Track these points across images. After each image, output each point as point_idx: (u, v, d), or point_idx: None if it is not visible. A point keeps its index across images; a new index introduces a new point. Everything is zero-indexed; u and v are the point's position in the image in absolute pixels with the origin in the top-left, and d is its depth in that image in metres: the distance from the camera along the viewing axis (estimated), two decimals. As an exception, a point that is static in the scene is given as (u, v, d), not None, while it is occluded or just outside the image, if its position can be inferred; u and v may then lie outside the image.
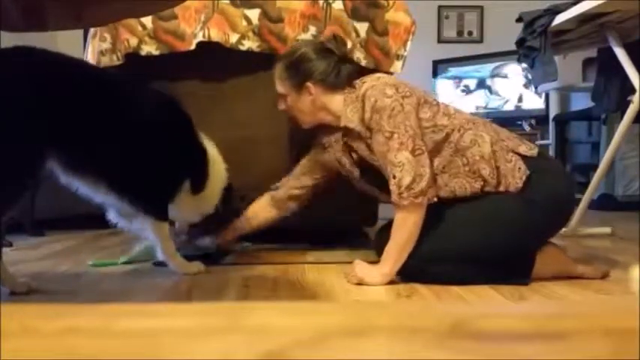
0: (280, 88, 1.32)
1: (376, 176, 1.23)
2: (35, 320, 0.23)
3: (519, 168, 1.15)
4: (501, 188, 1.16)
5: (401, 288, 1.14)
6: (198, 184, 1.30)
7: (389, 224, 1.36)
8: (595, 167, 2.08)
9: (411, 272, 1.17)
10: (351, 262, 1.24)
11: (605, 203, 2.71)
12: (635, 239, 1.69)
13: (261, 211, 1.44)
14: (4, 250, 1.53)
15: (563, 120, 3.44)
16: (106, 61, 1.51)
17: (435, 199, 1.14)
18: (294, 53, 1.29)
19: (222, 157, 1.39)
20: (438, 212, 1.16)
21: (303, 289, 1.13)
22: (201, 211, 1.35)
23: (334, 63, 1.27)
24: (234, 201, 1.40)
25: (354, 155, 1.29)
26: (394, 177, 1.12)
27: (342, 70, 1.27)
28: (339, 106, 1.25)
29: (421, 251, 1.14)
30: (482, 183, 1.16)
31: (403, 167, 1.11)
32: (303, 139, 1.46)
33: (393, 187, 1.13)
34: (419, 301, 1.06)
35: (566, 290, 1.12)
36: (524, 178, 1.15)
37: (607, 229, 1.94)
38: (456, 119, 1.19)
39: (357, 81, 1.26)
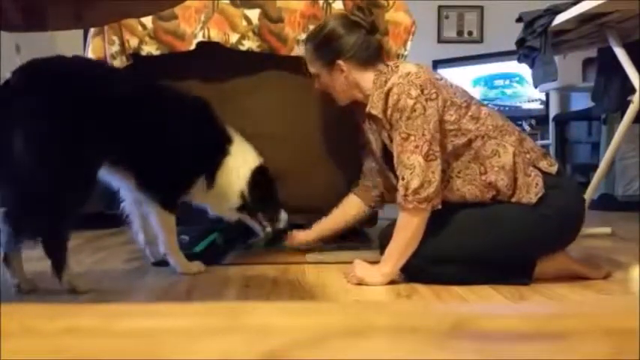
0: (312, 68, 1.30)
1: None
2: (35, 320, 0.23)
3: (537, 184, 1.14)
4: (514, 200, 1.15)
5: (401, 288, 1.14)
6: (211, 180, 1.32)
7: (392, 224, 1.36)
8: (595, 167, 2.08)
9: (413, 271, 1.17)
10: (351, 262, 1.24)
11: (606, 203, 2.71)
12: (635, 239, 1.69)
13: (349, 210, 1.42)
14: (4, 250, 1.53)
15: (563, 120, 3.44)
16: (117, 64, 1.51)
17: (439, 206, 1.13)
18: (322, 31, 1.27)
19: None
20: (444, 213, 1.16)
21: (303, 289, 1.13)
22: (227, 205, 1.35)
23: (363, 36, 1.24)
24: (266, 185, 1.39)
25: (379, 139, 1.27)
26: (403, 178, 1.11)
27: (372, 42, 1.25)
28: (370, 84, 1.22)
29: (424, 251, 1.14)
30: (494, 193, 1.15)
31: (414, 170, 1.10)
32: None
33: (400, 188, 1.12)
34: (419, 301, 1.06)
35: (566, 290, 1.12)
36: (539, 194, 1.13)
37: (607, 229, 1.94)
38: (483, 125, 1.16)
39: (389, 65, 1.23)
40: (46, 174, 1.04)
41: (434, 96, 1.14)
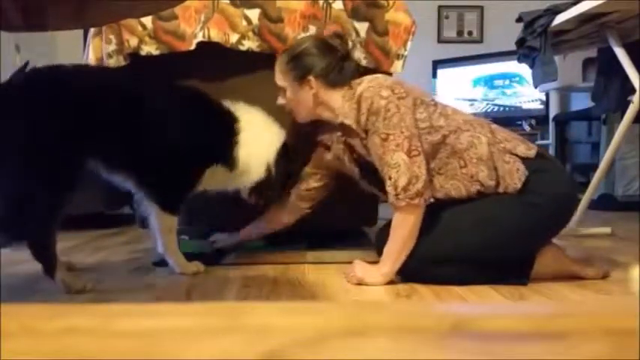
0: (281, 81, 1.32)
1: (376, 175, 1.23)
2: (35, 320, 0.23)
3: (517, 169, 1.14)
4: (500, 189, 1.15)
5: (401, 288, 1.14)
6: (230, 162, 1.29)
7: (389, 223, 1.35)
8: (595, 167, 2.08)
9: (411, 273, 1.17)
10: (351, 262, 1.24)
11: (605, 203, 2.71)
12: (635, 239, 1.69)
13: (276, 216, 1.43)
14: (4, 250, 1.53)
15: (563, 120, 3.44)
16: (113, 63, 1.51)
17: (432, 200, 1.14)
18: (298, 47, 1.30)
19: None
20: (438, 213, 1.16)
21: (303, 289, 1.13)
22: (248, 179, 1.32)
23: (336, 60, 1.27)
24: (286, 163, 1.37)
25: (354, 153, 1.29)
26: (390, 178, 1.12)
27: (345, 68, 1.27)
28: (338, 102, 1.25)
29: (421, 252, 1.14)
30: (479, 187, 1.16)
31: (399, 168, 1.11)
32: (305, 147, 1.45)
33: (389, 189, 1.13)
34: (419, 301, 1.06)
35: (566, 290, 1.12)
36: (522, 179, 1.14)
37: (607, 229, 1.94)
38: (453, 120, 1.19)
39: (355, 81, 1.26)
40: (26, 177, 1.04)
41: (404, 95, 1.16)
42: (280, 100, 1.35)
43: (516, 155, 1.16)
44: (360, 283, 1.16)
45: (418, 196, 1.11)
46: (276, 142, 1.35)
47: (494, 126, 1.24)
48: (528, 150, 1.18)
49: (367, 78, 1.24)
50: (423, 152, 1.13)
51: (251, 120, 1.34)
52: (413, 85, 1.24)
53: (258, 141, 1.32)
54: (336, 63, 1.27)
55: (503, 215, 1.15)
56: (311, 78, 1.26)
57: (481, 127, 1.20)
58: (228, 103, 1.35)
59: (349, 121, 1.21)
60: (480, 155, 1.15)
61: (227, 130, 1.31)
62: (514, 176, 1.14)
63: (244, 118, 1.33)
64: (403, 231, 1.13)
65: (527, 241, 1.18)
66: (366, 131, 1.17)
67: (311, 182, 1.41)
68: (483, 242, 1.14)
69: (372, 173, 1.25)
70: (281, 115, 1.58)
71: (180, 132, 1.26)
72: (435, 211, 1.16)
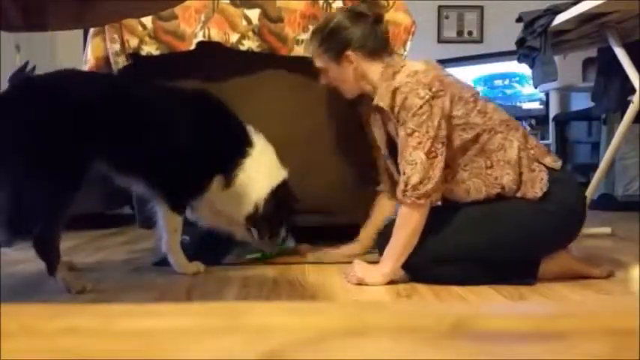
0: (319, 62, 1.29)
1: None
2: (35, 320, 0.23)
3: (541, 179, 1.15)
4: (518, 194, 1.15)
5: (401, 288, 1.14)
6: (229, 179, 1.30)
7: (391, 224, 1.35)
8: (595, 167, 2.08)
9: (414, 271, 1.17)
10: (350, 263, 1.24)
11: (605, 203, 2.71)
12: (635, 239, 1.69)
13: (382, 209, 1.40)
14: (4, 250, 1.53)
15: (563, 120, 3.43)
16: (122, 61, 1.51)
17: (439, 203, 1.14)
18: (328, 24, 1.26)
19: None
20: (445, 212, 1.16)
21: (303, 289, 1.14)
22: (236, 208, 1.32)
23: (370, 26, 1.24)
24: (284, 202, 1.36)
25: (386, 131, 1.26)
26: (404, 173, 1.13)
27: (379, 32, 1.24)
28: (377, 75, 1.22)
29: (426, 250, 1.14)
30: (499, 190, 1.16)
31: (415, 166, 1.11)
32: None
33: (400, 183, 1.13)
34: (419, 301, 1.06)
35: (566, 290, 1.12)
36: (544, 189, 1.14)
37: (607, 229, 1.94)
38: (489, 119, 1.17)
39: (395, 61, 1.23)
40: (32, 176, 1.05)
41: (441, 93, 1.14)
42: (322, 81, 1.32)
43: (543, 164, 1.16)
44: (360, 283, 1.16)
45: (425, 197, 1.11)
46: (275, 181, 1.36)
47: (525, 131, 1.24)
48: (555, 162, 1.18)
49: (406, 69, 1.18)
50: (450, 151, 1.13)
51: (262, 151, 1.36)
52: (455, 78, 1.22)
53: (259, 174, 1.33)
54: (370, 29, 1.23)
55: (509, 216, 1.15)
56: (349, 52, 1.23)
57: (515, 131, 1.19)
58: (249, 126, 1.37)
59: (383, 104, 1.19)
60: (509, 159, 1.15)
61: (239, 147, 1.33)
62: (536, 185, 1.14)
63: (258, 145, 1.35)
64: (406, 230, 1.13)
65: (533, 245, 1.18)
66: (398, 120, 1.16)
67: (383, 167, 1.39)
68: (488, 242, 1.15)
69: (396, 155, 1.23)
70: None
71: (196, 138, 1.28)
72: (443, 210, 1.16)
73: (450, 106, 1.15)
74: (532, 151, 1.17)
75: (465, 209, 1.17)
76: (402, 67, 1.20)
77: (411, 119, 1.12)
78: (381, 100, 1.20)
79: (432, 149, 1.11)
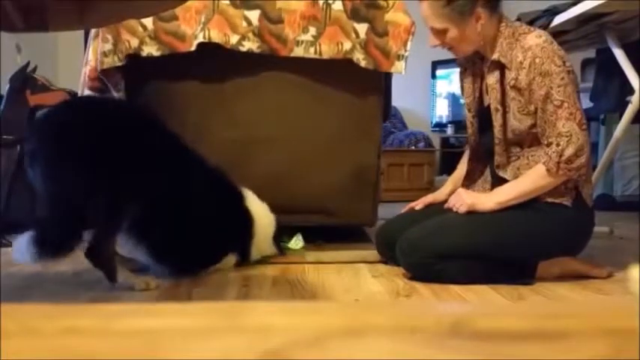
0: (440, 23, 1.23)
1: (486, 123, 1.22)
2: (35, 320, 0.23)
3: (567, 199, 1.16)
4: (549, 199, 1.16)
5: (401, 288, 1.14)
6: (244, 256, 1.35)
7: (389, 223, 1.36)
8: (593, 167, 2.08)
9: (418, 266, 1.16)
10: (350, 262, 1.24)
11: (604, 203, 2.71)
12: (635, 239, 1.69)
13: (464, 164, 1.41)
14: (4, 250, 1.53)
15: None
16: (108, 62, 1.51)
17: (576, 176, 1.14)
18: None
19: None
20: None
21: (303, 289, 1.14)
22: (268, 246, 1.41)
23: None
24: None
25: (478, 92, 1.26)
26: (558, 145, 1.12)
27: None
28: (495, 31, 1.20)
29: (433, 245, 1.14)
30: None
31: (570, 138, 1.11)
32: None
33: (552, 155, 1.12)
34: (419, 301, 1.07)
35: (566, 290, 1.13)
36: (556, 202, 1.15)
37: (605, 229, 1.94)
38: (581, 115, 1.16)
39: (519, 22, 1.23)
40: (90, 191, 1.06)
41: (570, 69, 1.15)
42: (435, 42, 1.27)
43: (577, 189, 1.17)
44: (470, 211, 1.15)
45: (577, 170, 1.12)
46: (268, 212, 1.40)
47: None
48: (587, 197, 1.19)
49: (539, 33, 1.17)
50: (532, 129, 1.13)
51: (257, 211, 1.38)
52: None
53: (262, 215, 1.38)
54: None
55: (520, 221, 1.16)
56: (479, 9, 1.20)
57: (588, 138, 1.18)
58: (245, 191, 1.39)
59: (505, 60, 1.17)
60: (578, 165, 1.14)
61: (247, 227, 1.35)
62: (556, 196, 1.16)
63: (256, 215, 1.37)
64: (531, 187, 1.13)
65: (537, 250, 1.19)
66: (528, 87, 1.14)
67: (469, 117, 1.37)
68: (494, 242, 1.15)
69: (484, 120, 1.23)
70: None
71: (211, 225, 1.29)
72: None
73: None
74: (584, 175, 1.17)
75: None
76: (528, 29, 1.19)
77: (556, 89, 1.11)
78: (503, 57, 1.18)
79: (582, 121, 1.12)
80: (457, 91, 3.68)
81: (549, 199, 1.15)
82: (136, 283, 1.12)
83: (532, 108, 1.15)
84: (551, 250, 1.21)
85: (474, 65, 1.29)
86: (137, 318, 0.23)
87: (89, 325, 0.23)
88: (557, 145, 1.12)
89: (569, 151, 1.11)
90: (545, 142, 1.14)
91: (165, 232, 1.20)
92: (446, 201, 1.25)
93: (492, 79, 1.20)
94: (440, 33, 1.24)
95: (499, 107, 1.21)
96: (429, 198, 1.41)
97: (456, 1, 1.20)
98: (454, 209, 1.18)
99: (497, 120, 1.20)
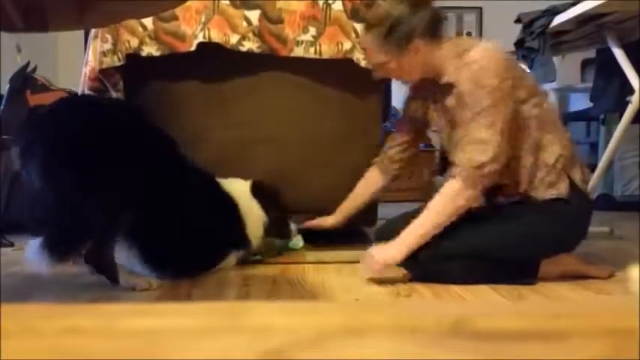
0: (379, 57, 1.23)
1: (450, 139, 1.22)
2: (35, 320, 0.23)
3: (558, 188, 1.15)
4: (532, 193, 1.15)
5: (401, 288, 1.14)
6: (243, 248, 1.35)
7: (390, 223, 1.35)
8: (593, 168, 2.08)
9: (419, 267, 1.16)
10: (350, 262, 1.24)
11: (604, 203, 2.71)
12: (635, 239, 1.69)
13: (369, 183, 1.42)
14: (4, 250, 1.53)
15: (562, 120, 3.43)
16: (107, 61, 1.51)
17: (487, 185, 1.12)
18: (390, 16, 1.20)
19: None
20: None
21: (303, 289, 1.13)
22: (258, 237, 1.41)
23: (430, 10, 1.21)
24: (271, 199, 1.43)
25: (444, 113, 1.25)
26: (471, 151, 1.10)
27: (436, 17, 1.22)
28: (442, 57, 1.20)
29: (438, 245, 1.13)
30: (527, 186, 1.16)
31: (486, 145, 1.09)
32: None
33: (462, 160, 1.10)
34: (418, 300, 1.06)
35: (566, 290, 1.13)
36: (553, 197, 1.14)
37: (605, 229, 1.94)
38: (542, 114, 1.16)
39: (462, 39, 1.24)
40: (87, 195, 1.06)
41: (510, 75, 1.14)
42: (378, 75, 1.29)
43: (569, 177, 1.16)
44: (378, 264, 1.13)
45: (487, 178, 1.10)
46: (253, 199, 1.39)
47: (569, 135, 1.24)
48: (582, 182, 1.18)
49: (481, 46, 1.16)
50: (510, 136, 1.11)
51: (238, 192, 1.37)
52: (521, 66, 1.22)
53: (248, 207, 1.37)
54: (430, 16, 1.20)
55: (521, 220, 1.16)
56: (416, 42, 1.19)
57: (563, 134, 1.18)
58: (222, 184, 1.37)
59: (453, 81, 1.17)
60: (546, 161, 1.15)
61: (232, 209, 1.34)
62: (549, 190, 1.15)
63: (236, 194, 1.37)
64: (446, 208, 1.10)
65: (538, 248, 1.19)
66: (464, 97, 1.14)
67: (398, 138, 1.39)
68: (497, 242, 1.15)
69: (449, 136, 1.23)
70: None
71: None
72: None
73: (516, 90, 1.14)
74: (568, 163, 1.16)
75: (479, 209, 1.17)
76: (472, 44, 1.18)
77: (485, 96, 1.10)
78: (451, 77, 1.17)
79: (504, 130, 1.10)
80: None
81: (547, 196, 1.15)
82: (137, 284, 1.12)
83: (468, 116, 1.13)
84: (554, 248, 1.20)
85: (425, 89, 1.29)
86: (137, 318, 0.23)
87: (89, 325, 0.23)
88: (471, 151, 1.10)
89: (482, 158, 1.08)
90: (460, 149, 1.12)
91: (160, 238, 1.20)
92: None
93: (450, 101, 1.20)
94: (381, 65, 1.25)
95: (450, 126, 1.24)
96: (330, 220, 1.45)
97: (391, 35, 1.20)
98: (365, 276, 1.17)
99: (448, 138, 1.20)
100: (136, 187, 1.10)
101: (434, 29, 1.21)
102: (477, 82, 1.12)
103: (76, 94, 1.86)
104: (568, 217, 1.16)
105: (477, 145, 1.10)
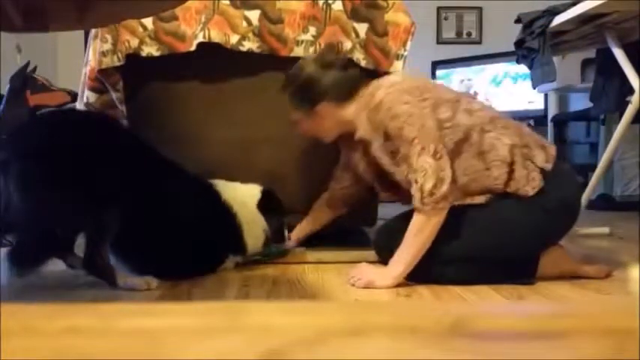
0: (293, 115, 1.30)
1: (390, 181, 1.23)
2: (35, 320, 0.23)
3: (533, 178, 1.14)
4: (509, 190, 1.15)
5: (400, 288, 1.14)
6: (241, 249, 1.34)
7: (389, 223, 1.35)
8: (593, 168, 2.08)
9: (418, 272, 1.16)
10: (350, 262, 1.24)
11: (604, 203, 2.71)
12: (634, 239, 1.69)
13: (319, 212, 1.47)
14: (3, 250, 1.52)
15: (562, 120, 3.44)
16: (107, 62, 1.51)
17: (456, 202, 1.12)
18: (298, 77, 1.27)
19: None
20: (450, 213, 1.16)
21: (303, 289, 1.13)
22: (259, 245, 1.40)
23: (339, 75, 1.25)
24: (274, 207, 1.43)
25: (372, 163, 1.27)
26: (416, 182, 1.10)
27: (348, 78, 1.26)
28: (354, 115, 1.23)
29: (433, 252, 1.13)
30: (502, 187, 1.15)
31: (426, 172, 1.09)
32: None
33: (415, 193, 1.11)
34: (418, 300, 1.06)
35: (566, 290, 1.13)
36: (536, 189, 1.13)
37: (605, 229, 1.94)
38: (478, 117, 1.16)
39: (371, 86, 1.24)
40: (71, 203, 1.07)
41: (427, 96, 1.15)
42: (298, 131, 1.34)
43: (535, 164, 1.15)
44: (368, 287, 1.14)
45: (443, 200, 1.09)
46: (256, 207, 1.38)
47: (523, 128, 1.22)
48: (546, 162, 1.16)
49: (385, 83, 1.20)
50: (448, 153, 1.12)
51: (228, 195, 1.35)
52: (435, 83, 1.23)
53: (248, 215, 1.35)
54: (340, 78, 1.24)
55: (514, 217, 1.15)
56: (322, 105, 1.24)
57: (505, 129, 1.17)
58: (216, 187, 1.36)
59: (367, 133, 1.20)
60: (502, 157, 1.14)
61: (230, 220, 1.32)
62: (527, 184, 1.14)
63: (238, 199, 1.35)
64: (423, 236, 1.12)
65: (536, 243, 1.18)
66: (387, 136, 1.15)
67: (342, 180, 1.42)
68: (491, 242, 1.15)
69: (387, 180, 1.24)
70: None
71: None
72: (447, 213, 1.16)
73: (436, 110, 1.14)
74: (525, 150, 1.16)
75: (465, 212, 1.16)
76: (379, 86, 1.20)
77: (407, 129, 1.11)
78: (365, 130, 1.20)
79: (437, 150, 1.10)
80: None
81: (530, 192, 1.13)
82: (136, 284, 1.12)
83: (401, 151, 1.14)
84: (552, 238, 1.20)
85: (351, 140, 1.29)
86: (137, 318, 0.23)
87: (89, 325, 0.23)
88: (416, 182, 1.10)
89: (428, 185, 1.08)
90: (408, 183, 1.13)
91: (145, 245, 1.20)
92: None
93: (375, 151, 1.21)
94: (297, 123, 1.30)
95: (372, 178, 1.26)
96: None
97: (299, 96, 1.26)
98: (351, 281, 1.17)
99: (399, 173, 1.19)
100: (113, 196, 1.09)
101: (345, 91, 1.24)
102: (391, 120, 1.13)
103: (76, 94, 1.86)
104: (548, 203, 1.14)
105: (419, 175, 1.10)
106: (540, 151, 1.18)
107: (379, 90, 1.18)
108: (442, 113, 1.15)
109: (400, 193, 1.22)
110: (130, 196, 1.12)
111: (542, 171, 1.15)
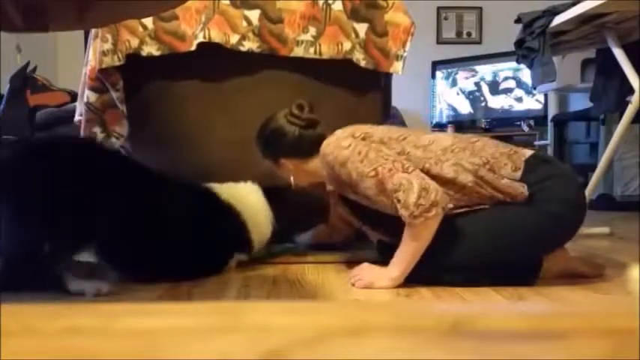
0: (265, 162, 1.36)
1: (375, 221, 1.24)
2: (35, 320, 0.23)
3: (509, 186, 1.12)
4: (507, 199, 1.13)
5: (400, 288, 1.14)
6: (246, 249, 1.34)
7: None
8: (593, 168, 2.08)
9: (421, 280, 1.15)
10: (350, 262, 1.23)
11: (604, 203, 2.71)
12: (635, 239, 1.69)
13: (326, 231, 1.53)
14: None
15: (562, 120, 3.44)
16: (107, 61, 1.51)
17: (451, 205, 1.10)
18: (263, 132, 1.32)
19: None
20: (451, 221, 1.14)
21: (303, 289, 1.14)
22: (265, 239, 1.40)
23: (300, 135, 1.28)
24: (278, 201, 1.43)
25: (351, 206, 1.28)
26: (399, 201, 1.07)
27: (311, 137, 1.28)
28: (317, 169, 1.26)
29: (435, 261, 1.12)
30: (489, 201, 1.13)
31: (403, 187, 1.06)
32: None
33: (402, 212, 1.07)
34: (419, 300, 1.06)
35: (566, 290, 1.13)
36: (525, 192, 1.11)
37: (605, 229, 1.94)
38: (430, 151, 1.15)
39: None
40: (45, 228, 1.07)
41: (369, 133, 1.18)
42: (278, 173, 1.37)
43: (502, 175, 1.13)
44: (367, 287, 1.13)
45: (434, 206, 1.06)
46: (262, 202, 1.38)
47: (478, 144, 1.18)
48: (514, 171, 1.13)
49: (331, 138, 1.22)
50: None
51: (229, 194, 1.35)
52: (377, 126, 1.25)
53: (253, 210, 1.35)
54: (301, 136, 1.28)
55: (517, 222, 1.14)
56: (283, 160, 1.30)
57: (462, 153, 1.15)
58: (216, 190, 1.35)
59: (335, 187, 1.24)
60: (470, 180, 1.12)
61: (234, 220, 1.32)
62: (512, 190, 1.12)
63: (233, 200, 1.35)
64: (421, 239, 1.10)
65: (539, 246, 1.18)
66: (350, 184, 1.15)
67: (338, 211, 1.43)
68: (497, 248, 1.13)
69: (371, 220, 1.25)
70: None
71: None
72: (447, 220, 1.15)
73: (384, 144, 1.15)
74: (488, 166, 1.12)
75: (470, 218, 1.15)
76: (327, 141, 1.22)
77: (359, 166, 1.10)
78: (330, 183, 1.24)
79: (405, 166, 1.09)
80: (457, 91, 3.68)
81: (526, 194, 1.11)
82: (86, 288, 1.09)
83: (369, 192, 1.13)
84: (560, 239, 1.19)
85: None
86: (137, 318, 0.23)
87: (89, 325, 0.23)
88: (398, 201, 1.07)
89: (411, 199, 1.04)
90: (396, 205, 1.09)
91: (155, 254, 1.20)
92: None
93: (351, 196, 1.21)
94: (272, 167, 1.35)
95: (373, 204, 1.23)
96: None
97: (264, 147, 1.32)
98: (351, 281, 1.16)
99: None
100: (68, 223, 1.09)
101: (304, 149, 1.28)
102: (341, 167, 1.14)
103: (75, 94, 1.86)
104: (550, 205, 1.12)
105: (399, 193, 1.06)
106: (507, 162, 1.14)
107: (323, 147, 1.20)
108: (392, 149, 1.15)
109: (390, 230, 1.20)
110: (120, 214, 1.12)
111: (538, 168, 1.14)
